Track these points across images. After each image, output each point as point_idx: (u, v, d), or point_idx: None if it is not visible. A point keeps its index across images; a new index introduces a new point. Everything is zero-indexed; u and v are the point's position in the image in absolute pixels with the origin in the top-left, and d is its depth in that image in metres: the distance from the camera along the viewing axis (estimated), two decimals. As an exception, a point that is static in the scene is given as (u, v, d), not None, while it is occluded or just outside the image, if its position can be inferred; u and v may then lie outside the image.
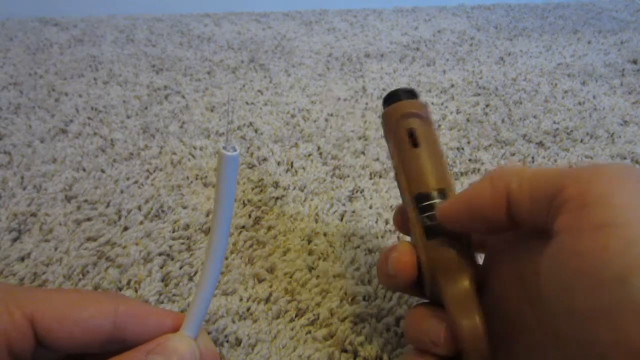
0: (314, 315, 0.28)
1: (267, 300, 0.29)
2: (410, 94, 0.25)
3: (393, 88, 0.27)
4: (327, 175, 0.41)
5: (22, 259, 0.31)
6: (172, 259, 0.32)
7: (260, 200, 0.37)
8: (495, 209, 0.18)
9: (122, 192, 0.38)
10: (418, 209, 0.21)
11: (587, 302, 0.14)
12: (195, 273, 0.31)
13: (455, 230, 0.20)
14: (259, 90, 0.56)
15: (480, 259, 0.22)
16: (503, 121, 0.51)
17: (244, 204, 0.37)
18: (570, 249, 0.15)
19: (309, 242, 0.33)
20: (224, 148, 0.17)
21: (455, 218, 0.20)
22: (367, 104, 0.54)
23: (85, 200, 0.37)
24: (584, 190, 0.15)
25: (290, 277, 0.31)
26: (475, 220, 0.19)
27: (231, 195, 0.18)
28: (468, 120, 0.51)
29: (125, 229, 0.34)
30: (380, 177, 0.41)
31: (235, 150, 0.17)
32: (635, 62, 0.69)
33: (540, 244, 0.16)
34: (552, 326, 0.16)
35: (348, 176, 0.40)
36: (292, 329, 0.27)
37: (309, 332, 0.27)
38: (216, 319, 0.28)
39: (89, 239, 0.33)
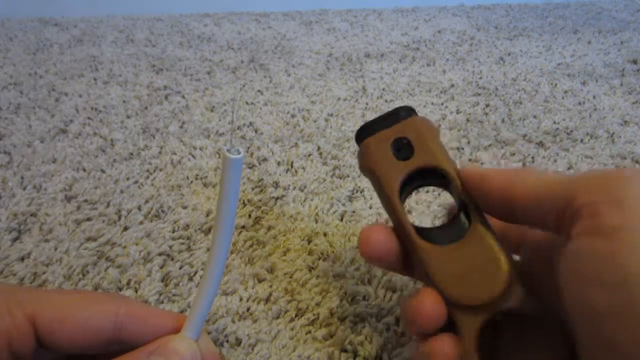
0: (314, 315, 0.28)
1: (267, 300, 0.29)
2: (367, 130, 0.23)
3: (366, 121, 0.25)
4: (327, 175, 0.41)
5: (22, 259, 0.31)
6: (172, 259, 0.32)
7: (260, 200, 0.37)
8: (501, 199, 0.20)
9: (122, 192, 0.38)
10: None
11: (604, 303, 0.14)
12: (195, 273, 0.31)
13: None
14: (259, 90, 0.56)
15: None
16: (503, 121, 0.51)
17: (244, 204, 0.37)
18: (586, 252, 0.16)
19: (309, 242, 0.33)
20: (228, 150, 0.17)
21: (474, 180, 0.21)
22: (367, 104, 0.54)
23: (85, 200, 0.37)
24: (596, 198, 0.16)
25: (290, 277, 0.31)
26: (485, 197, 0.21)
27: (234, 198, 0.18)
28: (468, 120, 0.51)
29: (125, 229, 0.34)
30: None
31: (239, 153, 0.17)
32: (635, 62, 0.69)
33: (556, 249, 0.17)
34: (574, 327, 0.16)
35: (348, 176, 0.40)
36: (292, 329, 0.27)
37: (309, 332, 0.27)
38: (216, 319, 0.28)
39: (89, 239, 0.33)
